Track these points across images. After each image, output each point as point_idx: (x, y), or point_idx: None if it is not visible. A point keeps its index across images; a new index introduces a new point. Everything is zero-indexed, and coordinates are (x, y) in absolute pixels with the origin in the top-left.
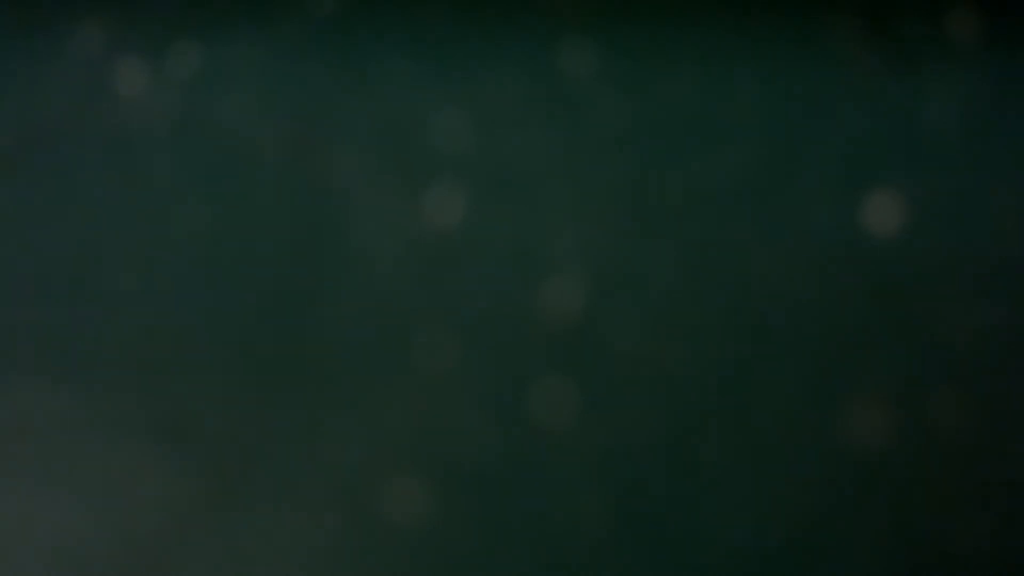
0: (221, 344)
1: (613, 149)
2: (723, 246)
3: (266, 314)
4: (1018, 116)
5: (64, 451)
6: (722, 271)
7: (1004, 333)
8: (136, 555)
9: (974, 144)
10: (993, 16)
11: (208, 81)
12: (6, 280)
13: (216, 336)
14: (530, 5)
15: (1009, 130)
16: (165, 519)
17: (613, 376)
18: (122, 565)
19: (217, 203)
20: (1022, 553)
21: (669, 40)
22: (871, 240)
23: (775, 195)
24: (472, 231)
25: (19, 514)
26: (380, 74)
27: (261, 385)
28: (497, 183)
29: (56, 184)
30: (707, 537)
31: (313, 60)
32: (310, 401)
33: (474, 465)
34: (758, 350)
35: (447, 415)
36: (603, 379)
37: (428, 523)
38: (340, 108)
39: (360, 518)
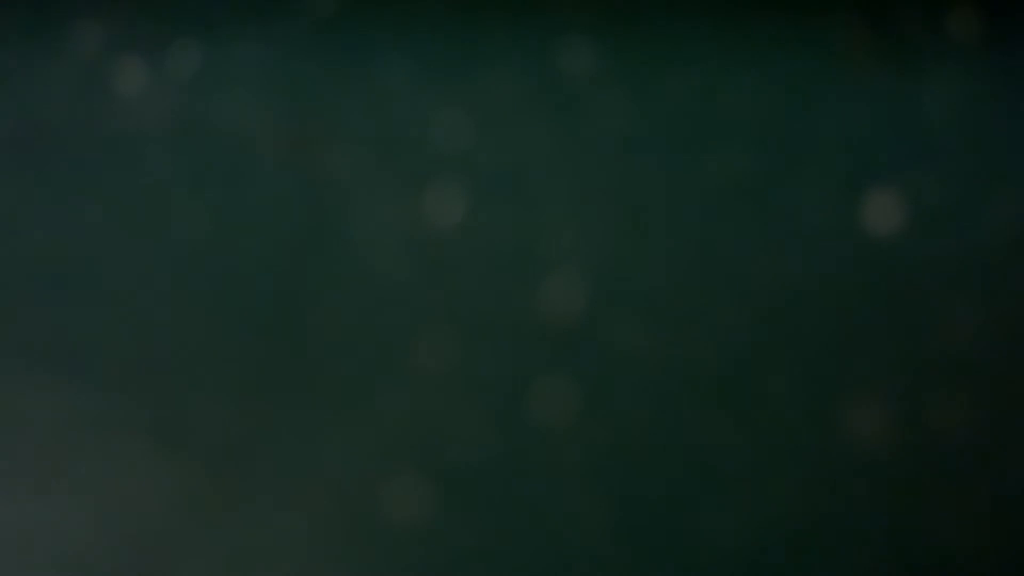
0: (221, 344)
1: (613, 149)
2: (723, 246)
3: (266, 313)
4: (1018, 116)
5: (64, 451)
6: (722, 271)
7: (1004, 333)
8: (136, 555)
9: (974, 144)
10: (993, 16)
11: (208, 81)
12: (6, 280)
13: (216, 336)
14: (530, 5)
15: (1009, 130)
16: (165, 519)
17: (613, 376)
18: (122, 565)
19: (217, 203)
20: (1022, 553)
21: (669, 40)
22: (871, 240)
23: (775, 195)
24: (472, 231)
25: (19, 514)
26: (380, 74)
27: (261, 385)
28: (497, 183)
29: (56, 184)
30: (707, 536)
31: (313, 60)
32: (310, 401)
33: (474, 465)
34: (758, 349)
35: (447, 415)
36: (603, 379)
37: (428, 523)
38: (340, 108)
39: (360, 518)
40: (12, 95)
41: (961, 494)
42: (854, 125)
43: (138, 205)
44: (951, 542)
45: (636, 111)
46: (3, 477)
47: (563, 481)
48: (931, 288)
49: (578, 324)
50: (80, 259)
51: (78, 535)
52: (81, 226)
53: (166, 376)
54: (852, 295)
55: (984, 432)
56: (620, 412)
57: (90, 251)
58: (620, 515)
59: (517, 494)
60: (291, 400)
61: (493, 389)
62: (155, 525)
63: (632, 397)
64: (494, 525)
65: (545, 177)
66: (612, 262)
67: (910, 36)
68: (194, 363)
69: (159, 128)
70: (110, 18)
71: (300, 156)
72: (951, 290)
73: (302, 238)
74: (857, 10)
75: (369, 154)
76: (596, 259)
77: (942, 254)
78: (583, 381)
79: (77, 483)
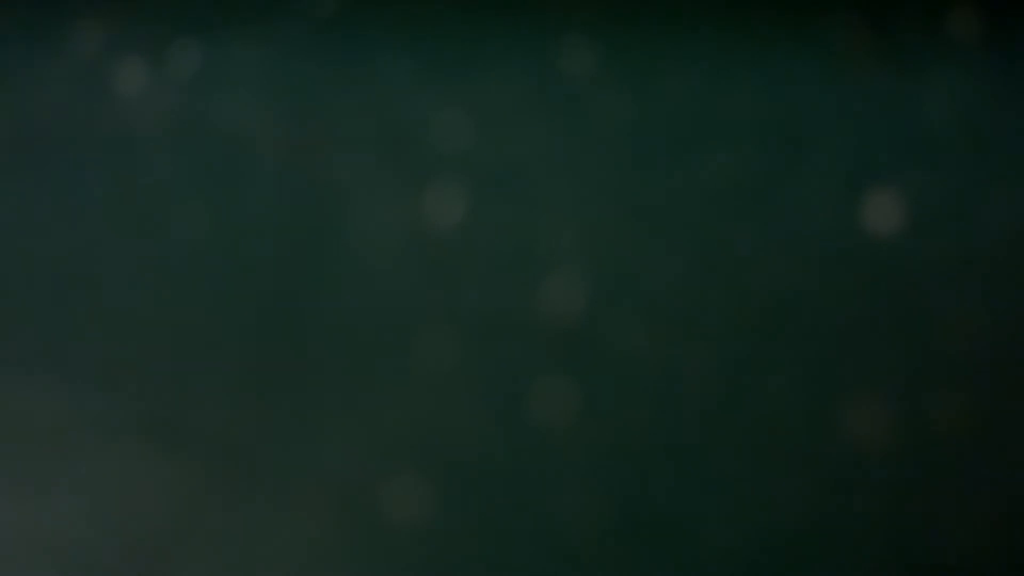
0: (221, 344)
1: (613, 149)
2: (723, 245)
3: (266, 313)
4: (1018, 116)
5: (64, 451)
6: (722, 271)
7: (1004, 333)
8: (136, 555)
9: (974, 144)
10: (993, 16)
11: (208, 81)
12: (6, 280)
13: (216, 336)
14: (530, 5)
15: (1009, 130)
16: (165, 519)
17: (613, 376)
18: (122, 565)
19: (216, 203)
20: (1022, 553)
21: (669, 40)
22: (871, 240)
23: (775, 195)
24: (472, 231)
25: (19, 514)
26: (380, 74)
27: (261, 385)
28: (497, 183)
29: (56, 184)
30: (707, 536)
31: (313, 60)
32: (310, 401)
33: (474, 464)
34: (758, 349)
35: (447, 415)
36: (603, 379)
37: (428, 523)
38: (340, 108)
39: (360, 518)
40: (12, 95)
41: (961, 494)
42: (854, 125)
43: (138, 205)
44: (951, 542)
45: (636, 111)
46: (3, 477)
47: (563, 481)
48: (931, 288)
49: (578, 324)
50: (80, 259)
51: (78, 535)
52: (81, 226)
53: (166, 376)
54: (852, 295)
55: (984, 432)
56: (620, 412)
57: (90, 251)
58: (620, 515)
59: (517, 494)
60: (291, 400)
61: (493, 389)
62: (155, 525)
63: (632, 397)
64: (494, 525)
65: (545, 177)
66: (612, 262)
67: (910, 36)
68: (194, 363)
69: (159, 128)
70: (110, 18)
71: (300, 156)
72: (951, 290)
73: (302, 238)
74: (857, 10)
75: (369, 154)
76: (596, 259)
77: (942, 254)
78: (583, 381)
79: (77, 483)
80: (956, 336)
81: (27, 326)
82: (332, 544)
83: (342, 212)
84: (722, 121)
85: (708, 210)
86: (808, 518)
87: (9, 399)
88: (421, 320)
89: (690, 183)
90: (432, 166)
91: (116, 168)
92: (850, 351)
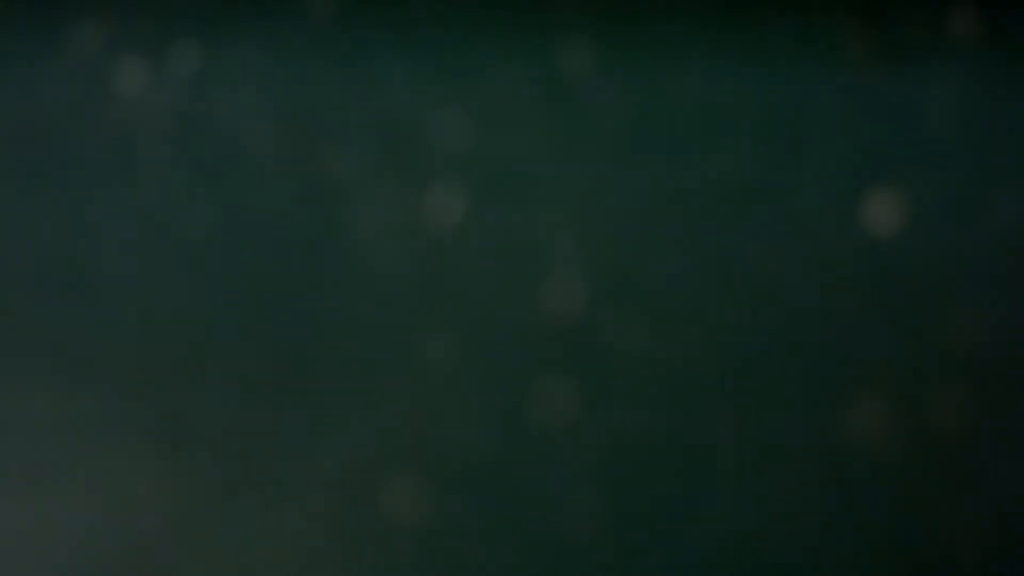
0: (221, 344)
1: (613, 149)
2: (723, 246)
3: (266, 313)
4: (1018, 116)
5: (64, 451)
6: (722, 270)
7: (1004, 333)
8: (136, 555)
9: (974, 144)
10: (993, 16)
11: (208, 81)
12: (6, 280)
13: (216, 336)
14: (530, 5)
15: (1009, 129)
16: (165, 519)
17: (613, 376)
18: (122, 565)
19: (217, 203)
20: (1022, 553)
21: (669, 40)
22: (871, 240)
23: (775, 195)
24: (472, 231)
25: (19, 514)
26: (380, 74)
27: (261, 385)
28: (497, 183)
29: (56, 184)
30: (707, 536)
31: (313, 60)
32: (310, 400)
33: (474, 465)
34: (758, 349)
35: (447, 415)
36: (603, 379)
37: (428, 522)
38: (340, 108)
39: (360, 518)
40: (13, 95)
41: (961, 494)
42: (854, 125)
43: (138, 205)
44: (952, 542)
45: (636, 111)
46: (3, 477)
47: (563, 481)
48: (931, 288)
49: (578, 324)
50: (80, 259)
51: (78, 535)
52: (81, 226)
53: (166, 376)
54: (852, 295)
55: (984, 432)
56: (620, 412)
57: (90, 251)
58: (620, 515)
59: (517, 494)
60: (291, 399)
61: (493, 389)
62: (155, 525)
63: (632, 397)
64: (494, 525)
65: (545, 177)
66: (612, 262)
67: (910, 36)
68: (194, 363)
69: (159, 128)
70: (110, 18)
71: (300, 156)
72: (951, 290)
73: (302, 238)
74: (857, 10)
75: (369, 154)
76: (596, 259)
77: (942, 254)
78: (583, 381)
79: (77, 483)
80: (956, 336)
81: (27, 326)
82: (332, 544)
83: (342, 212)
84: (722, 121)
85: (708, 210)
86: (808, 518)
87: (9, 399)
88: (421, 320)
89: (690, 183)
90: (432, 166)
91: (116, 168)
92: (850, 351)
